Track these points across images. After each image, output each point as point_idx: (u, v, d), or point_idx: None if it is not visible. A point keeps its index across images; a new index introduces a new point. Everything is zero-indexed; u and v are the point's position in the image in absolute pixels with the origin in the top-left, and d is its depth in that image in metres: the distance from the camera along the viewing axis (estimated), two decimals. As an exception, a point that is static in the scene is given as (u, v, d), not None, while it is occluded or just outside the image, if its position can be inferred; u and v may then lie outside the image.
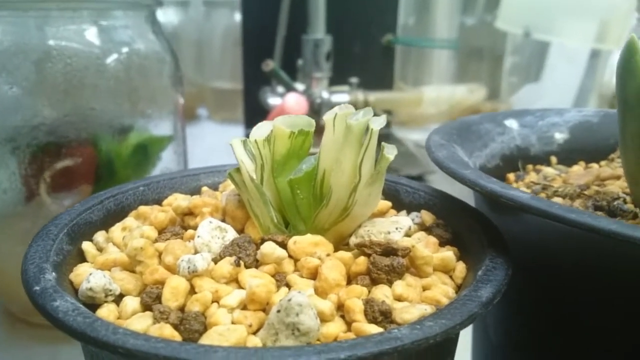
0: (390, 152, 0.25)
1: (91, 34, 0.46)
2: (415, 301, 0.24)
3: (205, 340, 0.21)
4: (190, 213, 0.30)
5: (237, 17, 1.04)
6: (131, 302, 0.23)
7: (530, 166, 0.39)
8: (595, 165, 0.39)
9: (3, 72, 0.43)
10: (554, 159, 0.40)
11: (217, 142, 0.96)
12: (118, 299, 0.24)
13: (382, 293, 0.23)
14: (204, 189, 0.34)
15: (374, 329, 0.21)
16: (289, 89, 0.83)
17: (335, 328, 0.22)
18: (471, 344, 0.39)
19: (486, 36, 1.06)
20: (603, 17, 0.83)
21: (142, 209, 0.30)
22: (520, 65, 1.05)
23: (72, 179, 0.46)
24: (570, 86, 0.92)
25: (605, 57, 0.89)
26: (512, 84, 1.07)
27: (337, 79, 0.86)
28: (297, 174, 0.27)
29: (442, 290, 0.25)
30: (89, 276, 0.23)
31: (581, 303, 0.28)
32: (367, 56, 0.95)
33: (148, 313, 0.23)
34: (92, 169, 0.48)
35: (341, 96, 0.84)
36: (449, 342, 0.25)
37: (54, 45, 0.44)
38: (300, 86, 0.84)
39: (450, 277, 0.26)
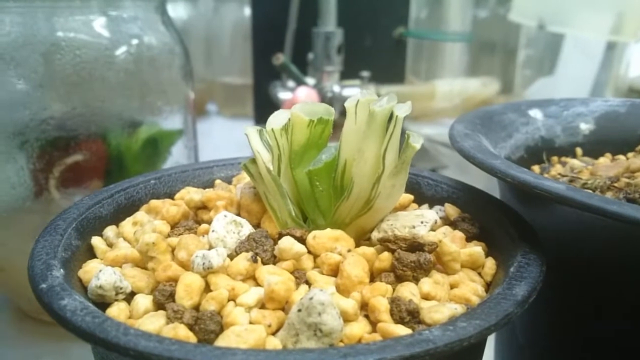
0: (416, 140, 0.23)
1: (100, 25, 0.45)
2: (443, 300, 0.22)
3: (222, 341, 0.19)
4: (203, 207, 0.29)
5: (247, 11, 1.03)
6: (143, 301, 0.22)
7: (555, 158, 0.38)
8: (622, 157, 0.37)
9: (11, 64, 0.42)
10: (579, 151, 0.38)
11: (227, 138, 0.95)
12: (129, 297, 0.23)
13: (408, 291, 0.22)
14: (218, 181, 0.32)
15: (402, 330, 0.20)
16: (300, 83, 0.81)
17: (359, 329, 0.21)
18: (494, 343, 0.38)
19: (499, 29, 1.05)
20: (619, 9, 0.81)
21: (154, 202, 0.29)
22: (534, 58, 1.03)
23: (81, 174, 0.45)
24: (585, 79, 0.90)
25: (621, 50, 0.87)
26: (525, 77, 1.05)
27: (348, 72, 0.84)
28: (316, 165, 0.26)
29: (471, 288, 0.23)
30: (98, 273, 0.22)
31: (616, 297, 0.26)
32: (379, 49, 0.94)
33: (161, 312, 0.21)
34: (102, 163, 0.47)
35: (352, 90, 0.83)
36: (480, 344, 0.23)
37: (63, 37, 0.43)
38: (311, 80, 0.83)
39: (479, 274, 0.25)
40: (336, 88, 0.82)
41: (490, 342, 0.38)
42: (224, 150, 0.86)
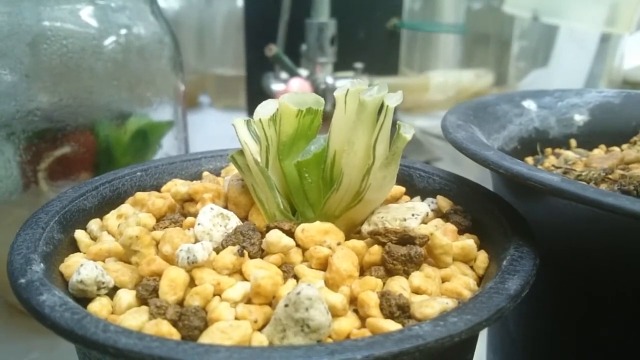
0: (407, 131, 0.23)
1: (87, 14, 0.44)
2: (434, 294, 0.22)
3: (206, 338, 0.19)
4: (190, 199, 0.28)
5: (239, 2, 1.02)
6: (126, 296, 0.21)
7: (549, 149, 0.37)
8: (616, 149, 0.37)
9: (-4, 55, 0.41)
10: (573, 142, 0.38)
11: (219, 130, 0.94)
12: (112, 292, 0.22)
13: (398, 285, 0.22)
14: (205, 173, 0.32)
15: (392, 325, 0.19)
16: (293, 74, 0.80)
17: (348, 324, 0.20)
18: (487, 336, 0.37)
19: (493, 20, 1.04)
20: (613, 1, 0.81)
21: (139, 195, 0.28)
22: (528, 50, 1.03)
23: (70, 166, 0.45)
24: (580, 71, 0.90)
25: (615, 42, 0.87)
26: (519, 69, 1.05)
27: (342, 64, 0.83)
28: (305, 156, 0.25)
29: (463, 281, 0.23)
30: (79, 267, 0.22)
31: (611, 290, 0.26)
32: (372, 41, 0.93)
33: (144, 308, 0.21)
34: (90, 155, 0.46)
35: (346, 82, 0.82)
36: (472, 339, 0.23)
37: (49, 26, 0.42)
38: (303, 72, 0.82)
39: (471, 267, 0.24)
40: (329, 79, 0.81)
41: (483, 336, 0.37)
42: (216, 142, 0.85)
